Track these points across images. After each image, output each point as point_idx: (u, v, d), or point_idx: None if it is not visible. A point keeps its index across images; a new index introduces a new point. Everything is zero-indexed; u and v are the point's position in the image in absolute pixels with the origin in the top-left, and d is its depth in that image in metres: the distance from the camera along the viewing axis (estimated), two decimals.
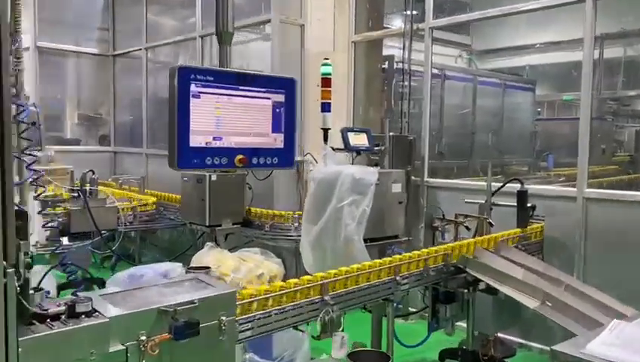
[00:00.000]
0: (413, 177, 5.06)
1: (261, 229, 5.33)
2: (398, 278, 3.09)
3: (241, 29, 6.33)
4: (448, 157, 8.03)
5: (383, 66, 6.37)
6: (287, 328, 2.59)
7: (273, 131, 2.48)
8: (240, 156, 2.36)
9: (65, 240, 5.30)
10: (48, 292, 5.37)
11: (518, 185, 4.22)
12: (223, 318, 2.21)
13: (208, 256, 4.74)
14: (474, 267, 3.46)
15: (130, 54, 7.90)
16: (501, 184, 4.35)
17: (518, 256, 3.79)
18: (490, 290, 3.47)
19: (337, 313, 2.72)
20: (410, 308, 4.98)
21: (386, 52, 6.42)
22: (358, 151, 3.81)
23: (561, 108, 11.93)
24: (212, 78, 2.26)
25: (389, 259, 3.04)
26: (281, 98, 2.49)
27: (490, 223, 3.70)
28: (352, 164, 3.85)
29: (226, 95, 2.32)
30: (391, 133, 4.84)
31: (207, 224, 5.21)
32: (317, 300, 2.60)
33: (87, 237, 5.39)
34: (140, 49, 7.60)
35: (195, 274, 2.45)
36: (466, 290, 3.47)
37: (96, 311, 1.92)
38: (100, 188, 6.91)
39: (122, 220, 5.62)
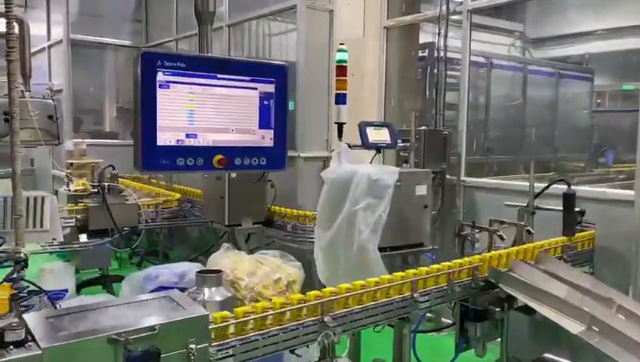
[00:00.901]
0: (448, 176, 4.61)
1: (283, 230, 5.01)
2: (415, 295, 2.69)
3: (277, 18, 6.02)
4: (496, 153, 7.52)
5: (423, 54, 5.91)
6: (277, 353, 2.25)
7: (261, 127, 2.13)
8: (219, 156, 2.02)
9: (83, 238, 5.16)
10: (66, 291, 5.30)
11: (564, 187, 3.72)
12: (192, 346, 1.89)
13: (224, 257, 4.47)
14: (508, 282, 3.01)
15: (162, 46, 7.73)
16: (545, 185, 3.86)
17: (562, 270, 3.31)
18: (527, 310, 3.01)
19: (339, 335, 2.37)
20: (443, 319, 4.56)
21: (423, 39, 5.94)
22: (378, 148, 3.42)
23: (626, 99, 11.05)
24: (184, 65, 1.93)
25: (401, 273, 2.63)
26: (270, 88, 2.13)
27: (528, 231, 3.22)
28: (371, 162, 3.46)
29: (202, 85, 1.98)
30: (423, 127, 4.42)
31: (226, 223, 4.94)
32: (310, 323, 2.24)
33: (107, 234, 5.23)
34: (171, 40, 7.42)
35: (167, 293, 2.14)
36: (498, 309, 3.02)
37: (30, 339, 1.63)
38: (128, 182, 6.82)
39: (143, 217, 5.42)
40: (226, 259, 4.42)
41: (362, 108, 5.25)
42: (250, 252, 4.97)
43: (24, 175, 8.16)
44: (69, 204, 5.47)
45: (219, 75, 2.02)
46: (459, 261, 2.92)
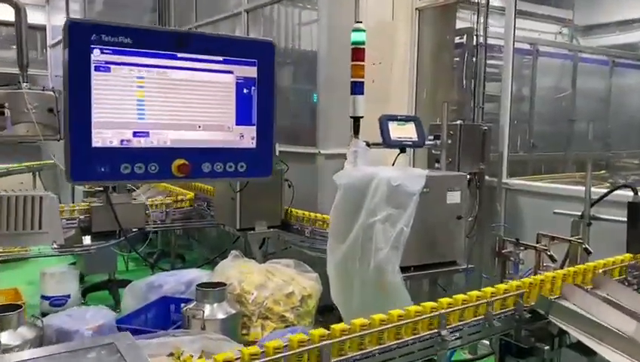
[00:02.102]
0: (487, 177, 4.02)
1: (301, 234, 4.52)
2: (444, 333, 2.15)
3: (297, 3, 5.53)
4: (541, 150, 6.85)
5: (460, 41, 5.30)
6: None
7: (239, 123, 1.63)
8: (180, 162, 1.53)
9: (87, 240, 4.80)
10: (68, 297, 4.95)
11: (629, 193, 3.11)
12: None
13: (231, 267, 4.01)
14: (559, 313, 2.44)
15: None
16: (605, 191, 3.24)
17: (627, 296, 2.70)
18: (584, 348, 2.43)
19: None
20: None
21: (461, 24, 5.33)
22: (402, 146, 2.88)
23: None
24: (130, 41, 1.44)
25: (432, 304, 2.10)
26: (251, 72, 1.63)
27: (586, 250, 2.63)
28: (394, 164, 2.92)
29: (156, 66, 1.49)
30: (458, 122, 3.84)
31: (237, 227, 4.48)
32: None
33: (113, 236, 4.86)
34: (190, 28, 7.00)
35: (114, 337, 1.66)
36: (547, 346, 2.46)
37: None
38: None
39: (152, 218, 5.02)
40: (234, 269, 3.96)
41: (390, 100, 4.70)
42: (265, 259, 4.51)
43: (46, 169, 7.92)
44: (76, 203, 5.12)
45: (179, 55, 1.53)
46: (502, 286, 2.35)
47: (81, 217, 4.76)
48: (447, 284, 2.78)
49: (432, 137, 3.82)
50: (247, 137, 1.65)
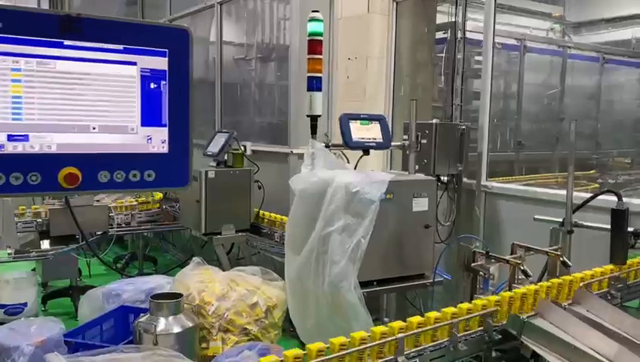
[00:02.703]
0: (465, 179, 3.78)
1: (271, 239, 4.27)
2: (401, 360, 1.91)
3: None
4: (529, 149, 6.64)
5: (443, 35, 5.05)
6: None
7: (145, 123, 1.37)
8: (68, 170, 1.27)
9: (45, 244, 4.53)
10: (25, 304, 4.69)
11: (613, 199, 2.88)
12: None
13: (192, 276, 3.75)
14: (532, 334, 2.20)
15: None
16: (588, 197, 3.01)
17: (609, 314, 2.46)
18: None
19: None
20: None
21: (443, 19, 5.07)
22: (365, 148, 2.64)
23: None
24: (0, 25, 1.19)
25: (382, 328, 1.85)
26: (160, 63, 1.37)
27: (564, 263, 2.39)
28: (356, 167, 2.67)
29: (37, 56, 1.24)
30: (434, 121, 3.60)
31: (203, 231, 4.22)
32: None
33: (74, 240, 4.59)
34: (164, 21, 6.73)
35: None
36: None
37: None
38: None
39: (116, 221, 4.76)
40: (194, 278, 3.71)
41: (366, 97, 4.45)
42: (234, 265, 4.26)
43: None
44: (35, 206, 4.84)
45: (67, 42, 1.27)
46: (464, 306, 2.11)
47: (39, 221, 4.49)
48: (425, 298, 2.54)
49: (406, 137, 3.59)
50: (156, 140, 1.39)
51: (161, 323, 3.22)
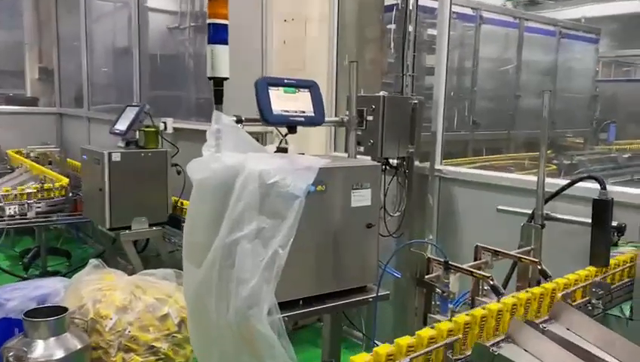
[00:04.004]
0: (417, 163, 3.23)
1: None
2: None
3: None
4: (484, 128, 6.21)
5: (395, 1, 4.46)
6: None
7: None
8: None
9: None
10: None
11: (594, 186, 2.41)
12: None
13: (88, 283, 3.07)
14: None
15: None
16: (564, 184, 2.52)
17: (593, 333, 1.98)
18: None
19: None
20: None
21: None
22: (289, 125, 2.02)
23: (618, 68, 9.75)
24: None
25: None
26: None
27: (543, 273, 1.86)
28: (278, 150, 2.05)
29: None
30: (382, 94, 3.01)
31: (107, 226, 3.52)
32: None
33: None
34: None
35: None
36: None
37: None
38: (22, 160, 5.37)
39: (7, 212, 3.98)
40: (90, 286, 3.03)
41: (305, 67, 3.83)
42: (151, 262, 3.61)
43: None
44: None
45: None
46: (403, 341, 1.54)
47: None
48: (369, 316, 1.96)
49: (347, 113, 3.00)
50: None
51: (39, 348, 2.56)
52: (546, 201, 2.52)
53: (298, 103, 2.01)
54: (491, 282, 1.66)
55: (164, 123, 3.99)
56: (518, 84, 6.69)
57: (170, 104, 5.23)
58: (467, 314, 1.72)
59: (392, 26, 3.98)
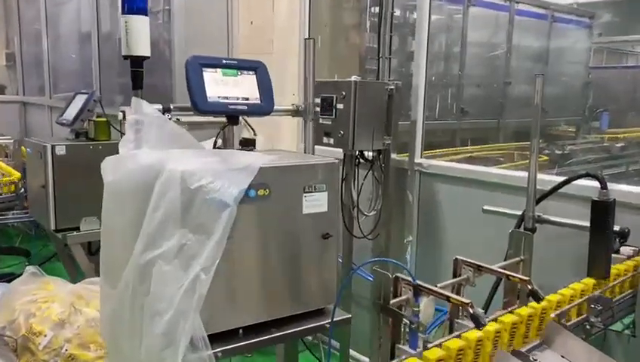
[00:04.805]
0: (395, 156, 2.89)
1: None
2: None
3: None
4: (472, 116, 5.90)
5: None
6: None
7: None
8: None
9: None
10: None
11: (593, 184, 2.11)
12: None
13: (23, 294, 2.72)
14: None
15: None
16: (559, 182, 2.20)
17: (592, 360, 1.67)
18: None
19: None
20: None
21: None
22: (229, 114, 1.67)
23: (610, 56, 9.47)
24: None
25: None
26: None
27: (534, 293, 1.53)
28: (215, 145, 1.70)
29: None
30: (353, 78, 2.66)
31: (53, 227, 3.17)
32: None
33: None
34: None
35: None
36: None
37: None
38: None
39: None
40: (25, 297, 2.68)
41: (273, 48, 3.47)
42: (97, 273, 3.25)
43: None
44: None
45: None
46: None
47: None
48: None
49: (318, 101, 2.66)
50: None
51: None
52: (538, 201, 2.20)
53: (240, 88, 1.66)
54: (471, 311, 1.33)
55: (123, 112, 3.62)
56: (508, 70, 6.36)
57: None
58: (441, 348, 1.39)
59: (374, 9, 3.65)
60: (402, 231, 2.96)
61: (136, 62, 1.57)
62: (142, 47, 1.55)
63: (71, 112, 3.32)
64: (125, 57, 1.58)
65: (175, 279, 1.29)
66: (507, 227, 2.31)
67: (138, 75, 1.57)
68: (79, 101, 3.36)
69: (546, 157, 5.56)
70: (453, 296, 1.43)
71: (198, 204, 1.33)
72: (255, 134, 2.64)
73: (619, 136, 7.09)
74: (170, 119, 1.58)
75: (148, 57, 1.58)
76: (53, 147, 3.09)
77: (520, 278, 1.57)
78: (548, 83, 6.15)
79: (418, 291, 1.42)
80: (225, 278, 1.42)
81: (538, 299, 1.50)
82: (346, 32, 3.93)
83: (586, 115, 7.51)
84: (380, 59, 2.93)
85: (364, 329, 2.78)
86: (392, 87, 2.76)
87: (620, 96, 7.51)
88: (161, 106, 1.59)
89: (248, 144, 1.83)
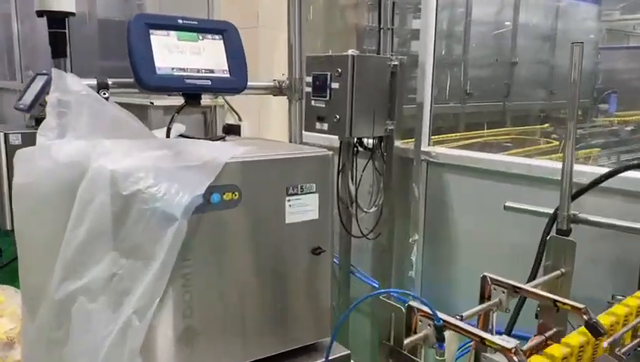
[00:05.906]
0: (399, 144, 2.50)
1: None
2: None
3: None
4: (476, 99, 5.53)
5: None
6: None
7: None
8: None
9: None
10: None
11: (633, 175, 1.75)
12: None
13: None
14: None
15: None
16: (599, 175, 1.82)
17: None
18: None
19: None
20: None
21: None
22: (187, 91, 1.29)
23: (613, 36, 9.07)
24: None
25: None
26: None
27: (593, 328, 1.16)
28: (170, 131, 1.32)
29: None
30: (350, 52, 2.27)
31: (9, 226, 2.79)
32: None
33: None
34: None
35: None
36: None
37: None
38: None
39: None
40: None
41: (259, 20, 3.06)
42: None
43: None
44: None
45: None
46: None
47: None
48: None
49: (309, 80, 2.26)
50: None
51: None
52: (574, 197, 1.82)
53: (202, 58, 1.27)
54: (515, 359, 0.95)
55: None
56: (514, 49, 5.97)
57: (124, 76, 4.48)
58: None
59: None
60: (407, 229, 2.59)
61: (56, 20, 1.17)
62: (63, 0, 1.15)
63: (28, 96, 2.92)
64: (40, 14, 1.18)
65: (101, 323, 0.91)
66: (529, 225, 1.96)
67: (59, 37, 1.17)
68: (39, 83, 2.95)
69: (556, 143, 5.22)
70: (474, 330, 1.05)
71: (134, 216, 0.94)
72: (240, 120, 2.24)
73: (628, 118, 6.78)
74: (106, 98, 1.19)
75: (72, 14, 1.19)
76: (6, 136, 2.70)
77: (572, 306, 1.19)
78: (555, 63, 5.65)
79: (440, 329, 1.04)
80: (180, 316, 1.04)
81: (598, 334, 1.12)
82: (342, 6, 3.53)
83: (595, 97, 7.16)
84: (381, 31, 2.53)
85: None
86: (396, 62, 2.37)
87: (630, 77, 7.16)
88: (95, 81, 1.20)
89: (232, 131, 1.46)
